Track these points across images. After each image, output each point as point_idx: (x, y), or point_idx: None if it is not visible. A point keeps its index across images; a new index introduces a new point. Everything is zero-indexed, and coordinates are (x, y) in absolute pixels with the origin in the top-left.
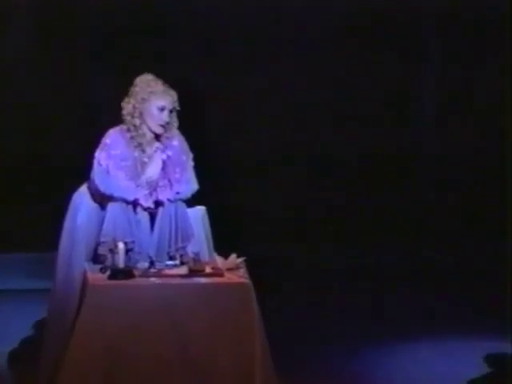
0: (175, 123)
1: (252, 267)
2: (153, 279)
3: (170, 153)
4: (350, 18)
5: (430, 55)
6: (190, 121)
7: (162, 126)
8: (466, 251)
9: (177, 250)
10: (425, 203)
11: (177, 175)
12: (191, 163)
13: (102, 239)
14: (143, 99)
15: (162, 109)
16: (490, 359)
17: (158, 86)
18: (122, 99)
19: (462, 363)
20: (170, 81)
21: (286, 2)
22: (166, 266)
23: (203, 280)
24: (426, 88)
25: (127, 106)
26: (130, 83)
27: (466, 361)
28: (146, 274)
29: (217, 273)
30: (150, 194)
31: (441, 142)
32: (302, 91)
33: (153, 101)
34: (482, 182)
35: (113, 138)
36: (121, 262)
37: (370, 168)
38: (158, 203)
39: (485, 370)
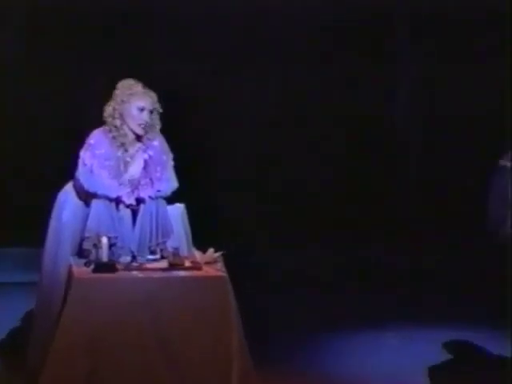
0: (157, 125)
1: (228, 261)
2: (135, 272)
3: (151, 153)
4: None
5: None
6: (173, 121)
7: (142, 126)
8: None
9: (157, 244)
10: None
11: (158, 174)
12: (171, 163)
13: (87, 234)
14: (123, 101)
15: (141, 109)
16: (449, 346)
17: (137, 88)
18: (106, 101)
19: (423, 351)
20: (156, 81)
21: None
22: (147, 260)
23: (182, 273)
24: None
25: (108, 109)
26: (115, 85)
27: (426, 348)
28: (128, 267)
29: (195, 266)
30: (132, 192)
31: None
32: (287, 93)
33: (132, 102)
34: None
35: (97, 138)
36: (104, 256)
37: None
38: (139, 200)
39: (444, 356)
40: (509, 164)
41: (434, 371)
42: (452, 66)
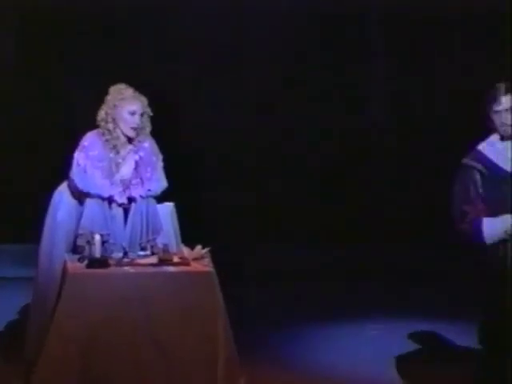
0: (148, 127)
1: (215, 257)
2: (126, 268)
3: (141, 154)
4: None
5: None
6: (163, 123)
7: (134, 129)
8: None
9: (148, 241)
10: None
11: (148, 174)
12: (161, 164)
13: (81, 232)
14: (115, 105)
15: (132, 113)
16: (414, 337)
17: (128, 92)
18: (98, 106)
19: (392, 341)
20: (145, 85)
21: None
22: (138, 256)
23: (171, 268)
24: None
25: (101, 113)
26: (106, 91)
27: (394, 339)
28: (120, 263)
29: (184, 262)
30: (124, 191)
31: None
32: (270, 94)
33: (124, 106)
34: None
35: (90, 140)
36: (97, 252)
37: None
38: (130, 199)
39: (410, 346)
40: (470, 162)
41: (401, 362)
42: (426, 68)
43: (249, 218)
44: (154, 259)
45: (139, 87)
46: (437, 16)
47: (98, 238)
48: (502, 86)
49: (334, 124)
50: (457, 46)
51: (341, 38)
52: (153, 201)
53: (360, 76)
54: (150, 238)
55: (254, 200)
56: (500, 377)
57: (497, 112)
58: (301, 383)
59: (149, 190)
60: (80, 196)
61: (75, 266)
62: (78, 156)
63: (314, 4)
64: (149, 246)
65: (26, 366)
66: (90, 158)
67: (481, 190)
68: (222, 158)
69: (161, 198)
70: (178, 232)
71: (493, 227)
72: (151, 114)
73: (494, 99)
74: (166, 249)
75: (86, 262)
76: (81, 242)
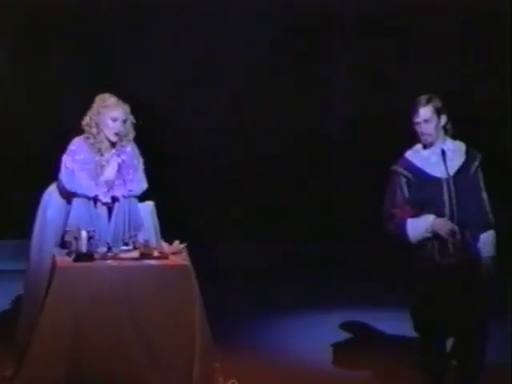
0: (131, 133)
1: (192, 252)
2: (110, 261)
3: (124, 157)
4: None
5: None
6: (143, 131)
7: (116, 134)
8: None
9: (130, 237)
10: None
11: (130, 176)
12: (142, 166)
13: (68, 228)
14: (99, 112)
15: (114, 119)
16: (346, 326)
17: (111, 100)
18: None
19: (332, 330)
20: (127, 94)
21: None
22: (121, 250)
23: (152, 262)
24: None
25: (86, 119)
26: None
27: (334, 328)
28: (104, 257)
29: (163, 256)
30: (108, 192)
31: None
32: (246, 100)
33: (107, 113)
34: None
35: (77, 144)
36: (84, 247)
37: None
38: (114, 199)
39: (348, 335)
40: (397, 169)
41: (336, 349)
42: (389, 67)
43: (223, 215)
44: (135, 253)
45: (123, 96)
46: (399, 17)
47: (84, 234)
48: (421, 99)
49: (295, 125)
50: (418, 47)
51: (303, 39)
52: (134, 200)
53: (322, 77)
54: (132, 234)
55: (227, 200)
56: (437, 359)
57: (417, 123)
58: (271, 367)
59: (130, 191)
60: (68, 196)
61: (63, 259)
62: (66, 159)
63: (276, 5)
64: (131, 242)
65: (18, 350)
66: (76, 161)
67: (407, 194)
68: (197, 161)
69: (142, 197)
70: (158, 228)
71: (415, 227)
72: (134, 121)
73: (414, 111)
74: (146, 244)
75: (73, 256)
76: (68, 237)
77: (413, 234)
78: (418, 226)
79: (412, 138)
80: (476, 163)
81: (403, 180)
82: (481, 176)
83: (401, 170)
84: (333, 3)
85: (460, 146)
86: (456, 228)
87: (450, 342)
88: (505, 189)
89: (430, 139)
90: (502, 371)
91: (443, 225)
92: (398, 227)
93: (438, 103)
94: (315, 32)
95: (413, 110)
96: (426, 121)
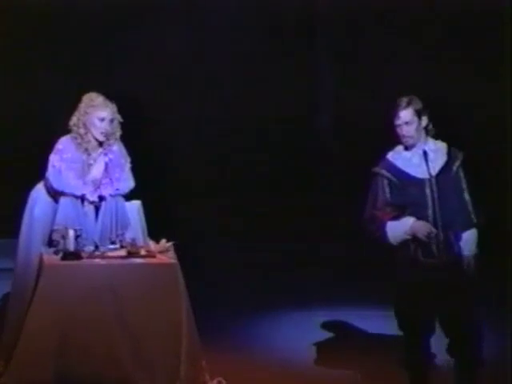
0: (117, 132)
1: (179, 250)
2: (97, 260)
3: (111, 156)
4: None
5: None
6: (133, 129)
7: (104, 134)
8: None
9: (117, 236)
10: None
11: (117, 175)
12: (129, 165)
13: (55, 227)
14: (86, 112)
15: (102, 119)
16: (334, 325)
17: (98, 100)
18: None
19: (315, 329)
20: (114, 94)
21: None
22: (108, 249)
23: (139, 260)
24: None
25: (73, 119)
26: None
27: (318, 327)
28: (91, 255)
29: (150, 255)
30: (95, 190)
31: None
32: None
33: (94, 113)
34: None
35: (64, 144)
36: (71, 246)
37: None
38: (101, 198)
39: (331, 334)
40: (380, 171)
41: (321, 348)
42: (376, 67)
43: (209, 214)
44: (122, 252)
45: (110, 95)
46: (385, 19)
47: (71, 232)
48: (401, 101)
49: (283, 124)
50: (405, 48)
51: (290, 39)
52: (121, 199)
53: (309, 78)
54: (119, 232)
55: (211, 198)
56: (420, 357)
57: (398, 125)
58: (257, 365)
59: (118, 189)
60: (55, 194)
61: (51, 258)
62: (53, 158)
63: (263, 5)
64: (118, 240)
65: (5, 349)
66: (64, 160)
67: (388, 196)
68: (184, 160)
69: (129, 196)
70: (145, 227)
71: (395, 230)
72: (121, 121)
73: (395, 114)
74: (133, 243)
75: (60, 254)
76: (56, 236)
77: (392, 236)
78: (398, 229)
79: (394, 138)
80: (458, 162)
81: (385, 181)
82: (463, 175)
83: (383, 171)
84: (319, 3)
85: (442, 146)
86: (434, 230)
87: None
88: (486, 188)
89: (411, 141)
90: (500, 368)
91: (421, 227)
92: (378, 229)
93: (418, 105)
94: (302, 32)
95: (393, 112)
96: (406, 123)
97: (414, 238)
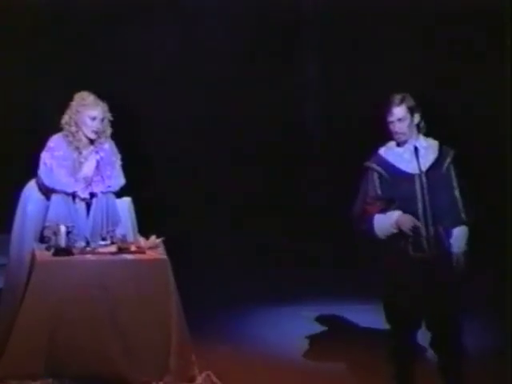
0: (108, 130)
1: (168, 246)
2: (88, 256)
3: (102, 154)
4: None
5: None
6: (124, 127)
7: (95, 132)
8: None
9: (107, 232)
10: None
11: (108, 172)
12: (119, 163)
13: (47, 224)
14: (77, 111)
15: (93, 118)
16: (322, 320)
17: (89, 99)
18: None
19: (303, 323)
20: (105, 93)
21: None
22: (99, 245)
23: (129, 256)
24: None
25: (65, 117)
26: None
27: (306, 321)
28: (83, 251)
29: (140, 250)
30: (86, 188)
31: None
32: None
33: (85, 112)
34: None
35: (56, 142)
36: (62, 242)
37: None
38: (92, 195)
39: (319, 328)
40: (371, 165)
41: (309, 341)
42: (363, 64)
43: (198, 212)
44: (113, 248)
45: (100, 95)
46: (373, 16)
47: (63, 229)
48: (395, 98)
49: (270, 123)
50: (392, 47)
51: (277, 38)
52: (112, 196)
53: (296, 77)
54: (110, 229)
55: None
56: (406, 348)
57: (391, 122)
58: (245, 359)
59: (109, 187)
60: (47, 191)
61: (43, 254)
62: (45, 156)
63: (250, 4)
64: (108, 237)
65: None
66: (55, 158)
67: (379, 190)
68: (173, 158)
69: (119, 193)
70: (135, 223)
71: (382, 223)
72: (111, 119)
73: (388, 110)
74: (124, 239)
75: (52, 250)
76: (48, 232)
77: (379, 229)
78: (384, 222)
79: (385, 135)
80: (448, 160)
81: (376, 175)
82: (453, 172)
83: (374, 165)
84: (306, 1)
85: (433, 143)
86: (419, 224)
87: (427, 336)
88: (477, 186)
89: (403, 137)
90: (496, 360)
91: (406, 221)
92: (366, 222)
93: (411, 102)
94: (289, 30)
95: (386, 109)
96: (399, 120)
97: (401, 232)
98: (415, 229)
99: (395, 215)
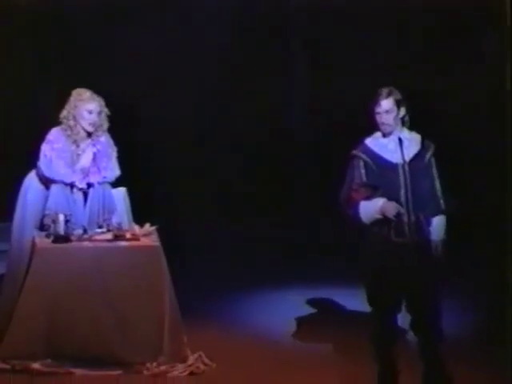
0: (105, 124)
1: (161, 234)
2: (86, 243)
3: (99, 147)
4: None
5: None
6: (120, 121)
7: (92, 125)
8: None
9: (104, 220)
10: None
11: (104, 164)
12: (115, 155)
13: (47, 212)
14: (75, 106)
15: (90, 112)
16: (308, 303)
17: (86, 94)
18: (62, 106)
19: (290, 307)
20: (102, 89)
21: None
22: (96, 232)
23: (124, 243)
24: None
25: (63, 112)
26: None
27: (294, 304)
28: (80, 239)
29: (135, 238)
30: (84, 178)
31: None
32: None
33: (83, 106)
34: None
35: (55, 135)
36: (61, 229)
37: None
38: (89, 185)
39: (305, 311)
40: (357, 153)
41: (297, 323)
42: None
43: (191, 202)
44: (109, 235)
45: (98, 91)
46: (359, 15)
47: (61, 217)
48: (383, 91)
49: (258, 118)
50: (380, 47)
51: (264, 38)
52: (108, 186)
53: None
54: (106, 217)
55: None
56: (387, 330)
57: (378, 113)
58: (235, 340)
59: (105, 177)
60: (46, 182)
61: (42, 241)
62: (45, 148)
63: (236, 5)
64: (105, 224)
65: None
66: (54, 150)
67: (364, 178)
68: (167, 151)
69: (115, 184)
70: (130, 212)
71: (367, 209)
72: (109, 114)
73: (376, 102)
74: (119, 226)
75: (51, 238)
76: (47, 221)
77: (365, 216)
78: (369, 208)
79: (372, 126)
80: (430, 153)
81: (361, 163)
82: (434, 165)
83: (360, 154)
84: (294, 3)
85: (416, 137)
86: (403, 211)
87: (408, 318)
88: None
89: (388, 129)
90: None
91: (390, 208)
92: (352, 208)
93: (398, 96)
94: (275, 30)
95: (374, 100)
96: (386, 111)
97: (385, 218)
98: (398, 215)
99: (380, 202)
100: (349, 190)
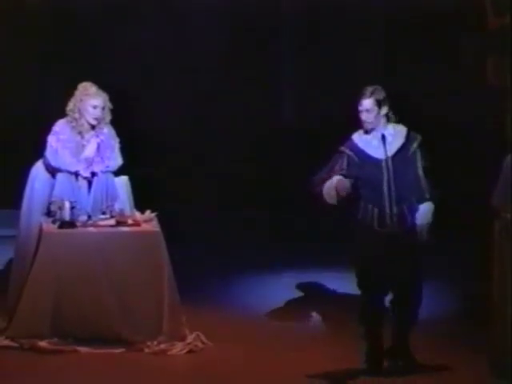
0: (108, 117)
1: (161, 220)
2: (90, 228)
3: (102, 138)
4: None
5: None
6: (122, 114)
7: (96, 119)
8: None
9: (107, 207)
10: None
11: (107, 154)
12: (118, 145)
13: (53, 199)
14: (81, 100)
15: (94, 107)
16: (300, 286)
17: (92, 89)
18: (67, 99)
19: (283, 289)
20: (104, 83)
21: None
22: (100, 218)
23: (126, 229)
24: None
25: (69, 105)
26: (75, 87)
27: (287, 286)
28: (85, 224)
29: (136, 224)
30: (88, 167)
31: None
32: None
33: (88, 100)
34: None
35: (61, 126)
36: (67, 216)
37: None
38: (93, 174)
39: (297, 293)
40: (342, 148)
41: (290, 306)
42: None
43: (190, 190)
44: (112, 221)
45: (101, 84)
46: (347, 17)
47: (67, 204)
48: (366, 90)
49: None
50: (374, 46)
51: (252, 38)
52: (111, 175)
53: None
54: (109, 204)
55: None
56: (375, 312)
57: (360, 111)
58: (231, 320)
59: (108, 167)
60: (53, 171)
61: (49, 226)
62: (51, 139)
63: (226, 5)
64: (108, 211)
65: (9, 306)
66: (60, 141)
67: (345, 169)
68: (167, 140)
69: (118, 172)
70: (132, 199)
71: (327, 187)
72: (111, 107)
73: (359, 101)
74: (121, 213)
75: (57, 223)
76: (53, 207)
77: (326, 194)
78: (328, 187)
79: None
80: (415, 144)
81: (345, 157)
82: (419, 156)
83: (347, 150)
84: (283, 3)
85: (401, 130)
86: (350, 190)
87: (388, 298)
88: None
89: (369, 126)
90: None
91: (341, 185)
92: (318, 187)
93: (380, 95)
94: (264, 31)
95: (358, 99)
96: (367, 110)
97: (337, 194)
98: (347, 193)
99: (335, 179)
100: (324, 174)
